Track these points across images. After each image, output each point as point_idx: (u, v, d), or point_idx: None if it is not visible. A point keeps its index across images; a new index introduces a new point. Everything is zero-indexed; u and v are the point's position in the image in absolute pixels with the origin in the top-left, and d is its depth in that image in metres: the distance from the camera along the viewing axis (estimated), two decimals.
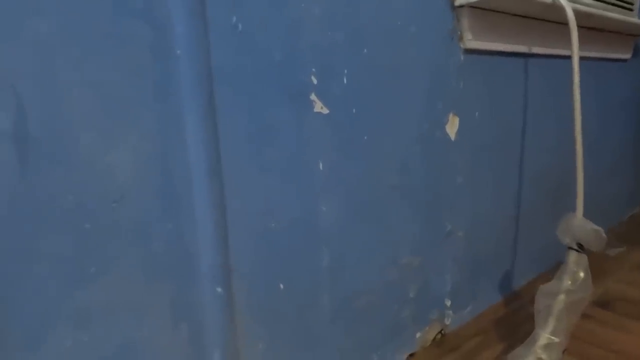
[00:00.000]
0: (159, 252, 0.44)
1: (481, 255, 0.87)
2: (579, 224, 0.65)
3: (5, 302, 0.36)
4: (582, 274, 0.64)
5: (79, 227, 0.39)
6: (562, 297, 0.63)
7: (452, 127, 0.76)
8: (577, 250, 0.65)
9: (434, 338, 0.79)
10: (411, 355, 0.75)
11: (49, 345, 0.38)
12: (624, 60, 1.27)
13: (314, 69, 0.55)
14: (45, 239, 0.37)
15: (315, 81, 0.55)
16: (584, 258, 0.66)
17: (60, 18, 0.36)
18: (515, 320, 0.85)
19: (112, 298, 0.42)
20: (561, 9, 0.76)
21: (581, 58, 1.03)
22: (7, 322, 0.36)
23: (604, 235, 0.62)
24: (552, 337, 0.62)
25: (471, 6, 0.70)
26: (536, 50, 0.90)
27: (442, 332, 0.81)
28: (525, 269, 1.01)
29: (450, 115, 0.75)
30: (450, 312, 0.82)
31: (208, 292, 0.49)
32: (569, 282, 0.63)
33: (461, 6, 0.70)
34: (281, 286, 0.56)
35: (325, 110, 0.57)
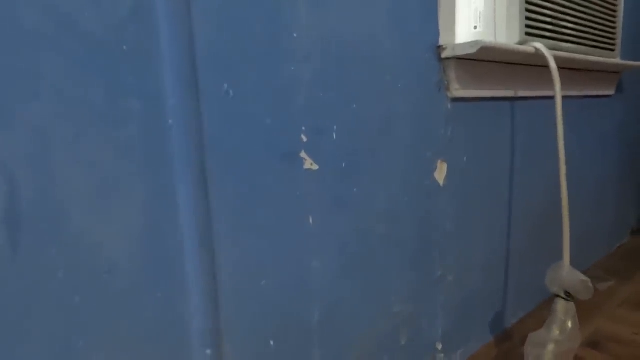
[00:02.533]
0: (149, 320, 0.44)
1: (472, 297, 0.88)
2: (567, 273, 0.66)
3: None
4: (570, 324, 0.64)
5: (68, 302, 0.39)
6: (551, 347, 0.64)
7: (441, 173, 0.77)
8: (565, 299, 0.66)
9: None
10: None
11: None
12: (608, 96, 1.30)
13: (304, 128, 0.56)
14: (34, 318, 0.37)
15: (305, 139, 0.56)
16: (572, 306, 0.66)
17: (54, 102, 0.37)
18: None
19: None
20: (544, 59, 0.78)
21: (566, 97, 1.06)
22: None
23: (590, 285, 0.63)
24: None
25: (457, 58, 0.72)
26: (522, 93, 0.92)
27: None
28: (516, 307, 1.02)
29: (439, 162, 0.77)
30: (442, 355, 0.82)
31: (197, 355, 0.48)
32: (557, 332, 0.64)
33: (448, 58, 0.72)
34: (271, 343, 0.56)
35: (315, 167, 0.58)
